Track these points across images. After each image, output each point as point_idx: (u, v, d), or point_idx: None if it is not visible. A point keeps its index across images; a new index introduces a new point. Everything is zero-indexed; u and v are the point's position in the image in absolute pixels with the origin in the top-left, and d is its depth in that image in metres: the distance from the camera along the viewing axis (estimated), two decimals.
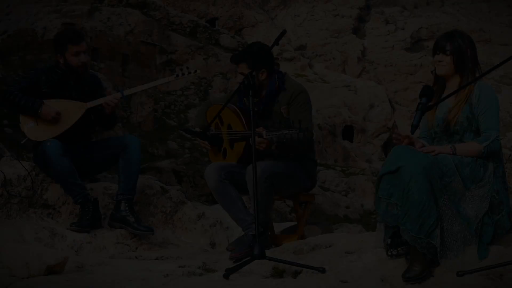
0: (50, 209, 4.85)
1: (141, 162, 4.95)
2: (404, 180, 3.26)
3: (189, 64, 45.39)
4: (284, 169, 4.30)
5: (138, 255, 4.48)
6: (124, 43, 40.05)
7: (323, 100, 46.70)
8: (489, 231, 3.36)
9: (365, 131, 46.31)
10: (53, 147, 4.57)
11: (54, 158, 4.57)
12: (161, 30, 46.38)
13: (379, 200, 3.40)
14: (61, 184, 4.73)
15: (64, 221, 4.82)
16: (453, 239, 3.28)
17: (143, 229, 4.66)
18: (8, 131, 19.39)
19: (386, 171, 3.35)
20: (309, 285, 3.28)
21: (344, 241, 4.12)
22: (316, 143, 36.60)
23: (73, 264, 3.76)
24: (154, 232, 4.78)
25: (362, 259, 3.63)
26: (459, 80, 3.57)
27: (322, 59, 60.04)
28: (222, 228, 5.24)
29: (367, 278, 3.41)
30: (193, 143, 29.24)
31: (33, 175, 4.85)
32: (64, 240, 4.53)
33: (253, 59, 4.32)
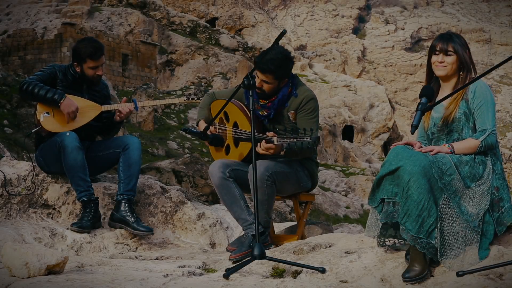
0: (50, 209, 4.86)
1: (141, 162, 4.96)
2: (404, 179, 3.27)
3: (189, 64, 45.42)
4: (286, 168, 4.30)
5: (138, 255, 4.48)
6: (124, 43, 40.07)
7: (323, 100, 46.72)
8: (490, 230, 3.36)
9: (365, 131, 46.34)
10: (72, 138, 4.61)
11: (70, 149, 4.58)
12: (161, 30, 46.43)
13: (377, 201, 3.41)
14: (69, 177, 4.71)
15: (64, 221, 4.82)
16: (453, 238, 3.28)
17: (142, 229, 4.66)
18: (8, 131, 19.40)
19: (386, 172, 3.35)
20: (309, 285, 3.28)
21: (344, 241, 4.12)
22: None
23: (73, 264, 3.76)
24: (153, 232, 4.78)
25: (362, 259, 3.63)
26: (456, 80, 3.60)
27: (322, 59, 60.10)
28: (222, 228, 5.25)
29: (367, 278, 3.41)
30: (193, 143, 29.25)
31: (33, 175, 4.85)
32: (64, 240, 4.53)
33: (280, 72, 4.25)
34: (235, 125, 4.41)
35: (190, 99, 4.98)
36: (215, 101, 4.58)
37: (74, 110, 4.68)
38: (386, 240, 3.52)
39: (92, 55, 4.78)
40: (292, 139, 3.86)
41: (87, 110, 4.80)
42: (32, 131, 4.86)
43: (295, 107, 4.34)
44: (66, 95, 4.69)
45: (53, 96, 4.65)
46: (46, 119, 4.71)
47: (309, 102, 4.34)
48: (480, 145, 3.45)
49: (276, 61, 4.22)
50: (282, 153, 4.19)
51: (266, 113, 4.36)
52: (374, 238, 3.59)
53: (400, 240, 3.50)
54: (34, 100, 4.74)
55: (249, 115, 4.30)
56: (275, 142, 3.98)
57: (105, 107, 4.87)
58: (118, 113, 4.90)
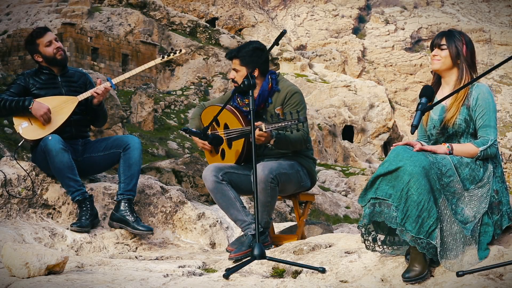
0: (50, 209, 4.86)
1: (142, 162, 4.97)
2: (404, 180, 3.26)
3: (189, 64, 45.44)
4: (288, 170, 4.32)
5: (138, 255, 4.48)
6: (124, 43, 40.06)
7: (323, 100, 46.72)
8: (489, 231, 3.36)
9: (365, 131, 46.35)
10: (55, 141, 4.61)
11: (54, 152, 4.59)
12: (161, 30, 46.42)
13: (366, 200, 3.39)
14: (59, 179, 4.73)
15: (64, 221, 4.82)
16: (452, 239, 3.28)
17: (142, 229, 4.66)
18: (8, 131, 19.40)
19: (385, 171, 3.34)
20: (309, 285, 3.28)
21: (344, 241, 4.12)
22: (316, 143, 36.65)
23: (73, 264, 3.76)
24: (153, 232, 4.79)
25: (362, 259, 3.63)
26: (455, 77, 3.57)
27: (322, 59, 60.09)
28: (222, 228, 5.25)
29: (367, 278, 3.41)
30: (193, 143, 29.25)
31: (32, 175, 4.86)
32: (64, 240, 4.53)
33: (246, 57, 4.35)
34: (226, 127, 4.43)
35: (167, 56, 4.94)
36: (205, 110, 4.61)
37: (46, 112, 4.70)
38: (376, 246, 3.53)
39: (37, 35, 4.89)
40: (279, 124, 3.87)
41: (63, 106, 4.80)
42: (18, 145, 4.89)
43: (280, 102, 4.37)
44: (34, 99, 4.72)
45: (22, 104, 4.69)
46: (25, 130, 4.74)
47: (294, 96, 4.37)
48: (479, 154, 3.43)
49: (243, 48, 4.39)
50: (271, 142, 4.18)
51: (249, 109, 4.40)
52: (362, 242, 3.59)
53: (389, 247, 3.52)
54: (9, 115, 4.79)
55: (237, 113, 4.34)
56: (264, 129, 3.99)
57: (81, 96, 4.86)
58: (95, 95, 4.87)
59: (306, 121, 3.95)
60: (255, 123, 4.05)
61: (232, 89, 4.37)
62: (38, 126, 4.74)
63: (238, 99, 4.46)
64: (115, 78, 4.95)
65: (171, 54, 4.95)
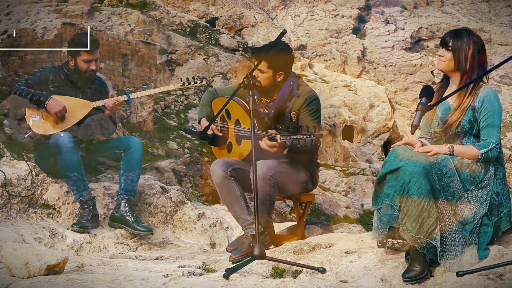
0: (50, 209, 4.86)
1: (142, 163, 4.97)
2: (404, 180, 3.26)
3: (189, 64, 45.44)
4: (288, 169, 4.31)
5: (138, 255, 4.48)
6: (124, 43, 40.06)
7: (323, 100, 46.69)
8: (489, 232, 3.36)
9: (365, 131, 46.33)
10: (66, 138, 4.63)
11: (65, 149, 4.60)
12: (161, 30, 46.40)
13: (381, 202, 3.40)
14: (65, 177, 4.72)
15: (64, 221, 4.82)
16: (452, 239, 3.28)
17: (142, 229, 4.66)
18: (8, 131, 19.39)
19: (385, 171, 3.34)
20: (309, 285, 3.28)
21: (344, 241, 4.12)
22: None
23: (73, 264, 3.77)
24: (153, 232, 4.79)
25: (362, 259, 3.63)
26: (459, 79, 3.56)
27: (322, 59, 60.05)
28: (222, 228, 5.25)
29: (367, 278, 3.41)
30: (193, 143, 29.24)
31: (33, 175, 4.86)
32: (64, 240, 4.53)
33: (275, 60, 4.27)
34: (237, 122, 4.41)
35: (186, 83, 4.96)
36: (217, 99, 4.58)
37: (61, 110, 4.71)
38: (385, 240, 3.52)
39: (86, 47, 4.83)
40: (295, 137, 3.85)
41: (77, 108, 4.82)
42: (25, 136, 4.89)
43: (297, 107, 4.33)
44: (51, 96, 4.71)
45: (39, 98, 4.69)
46: (35, 123, 4.74)
47: (312, 103, 4.34)
48: (480, 157, 3.42)
49: (271, 49, 4.28)
50: (285, 151, 4.18)
51: (266, 111, 4.36)
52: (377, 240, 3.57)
53: (398, 241, 3.50)
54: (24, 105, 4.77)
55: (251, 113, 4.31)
56: (278, 140, 3.97)
57: (96, 103, 4.88)
58: (107, 107, 4.88)
59: (321, 136, 3.93)
60: (270, 131, 4.05)
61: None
62: (49, 122, 4.75)
63: (255, 97, 4.43)
64: (133, 93, 4.96)
65: (192, 83, 4.96)
